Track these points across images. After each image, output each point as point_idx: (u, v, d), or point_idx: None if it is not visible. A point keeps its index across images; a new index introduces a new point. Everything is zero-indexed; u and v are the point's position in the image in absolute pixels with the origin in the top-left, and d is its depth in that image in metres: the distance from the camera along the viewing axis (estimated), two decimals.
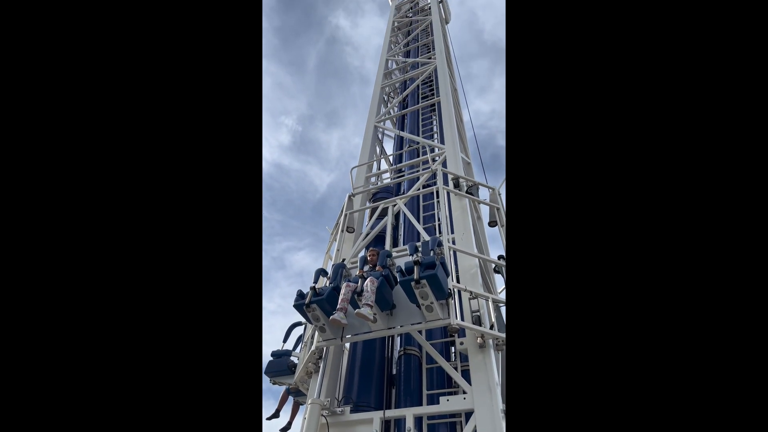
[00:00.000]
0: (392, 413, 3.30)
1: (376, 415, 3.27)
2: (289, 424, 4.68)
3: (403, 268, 3.46)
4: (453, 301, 3.47)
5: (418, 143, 6.89)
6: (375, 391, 3.94)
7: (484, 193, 5.16)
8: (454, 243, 4.20)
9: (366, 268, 3.82)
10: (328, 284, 3.86)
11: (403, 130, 7.69)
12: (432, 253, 3.56)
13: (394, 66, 10.13)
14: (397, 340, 4.52)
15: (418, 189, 5.16)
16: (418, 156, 6.45)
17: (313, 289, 3.70)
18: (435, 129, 7.83)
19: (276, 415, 4.78)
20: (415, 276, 3.26)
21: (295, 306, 3.72)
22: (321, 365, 3.93)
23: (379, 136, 8.18)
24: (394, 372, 4.24)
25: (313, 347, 3.87)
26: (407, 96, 8.84)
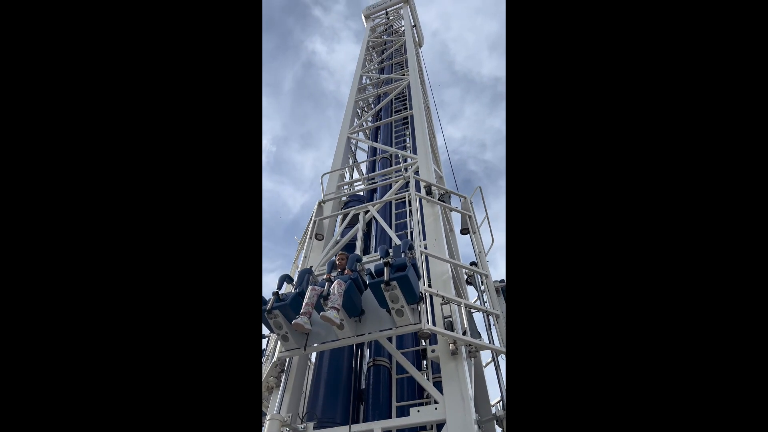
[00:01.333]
0: (359, 428, 3.06)
1: (342, 431, 3.04)
2: None
3: (373, 270, 3.30)
4: (425, 305, 3.32)
5: (390, 154, 6.87)
6: (341, 407, 3.65)
7: (456, 203, 5.13)
8: (425, 248, 4.09)
9: (334, 273, 3.62)
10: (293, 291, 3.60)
11: (376, 142, 7.67)
12: (403, 255, 3.42)
13: (368, 82, 10.25)
14: (366, 351, 4.28)
15: (391, 196, 5.06)
16: (391, 167, 6.40)
17: (275, 294, 3.44)
18: (408, 142, 7.86)
19: None
20: (386, 277, 3.10)
21: None
22: (283, 378, 3.62)
23: (352, 148, 8.12)
24: (363, 386, 3.99)
25: (274, 359, 3.56)
26: (381, 110, 8.90)
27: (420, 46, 12.72)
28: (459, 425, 2.65)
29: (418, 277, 3.39)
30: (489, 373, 4.20)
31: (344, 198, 6.00)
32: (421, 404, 3.38)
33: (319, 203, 5.26)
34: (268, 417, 3.22)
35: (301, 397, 3.81)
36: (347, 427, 3.04)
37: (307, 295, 3.30)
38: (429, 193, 4.80)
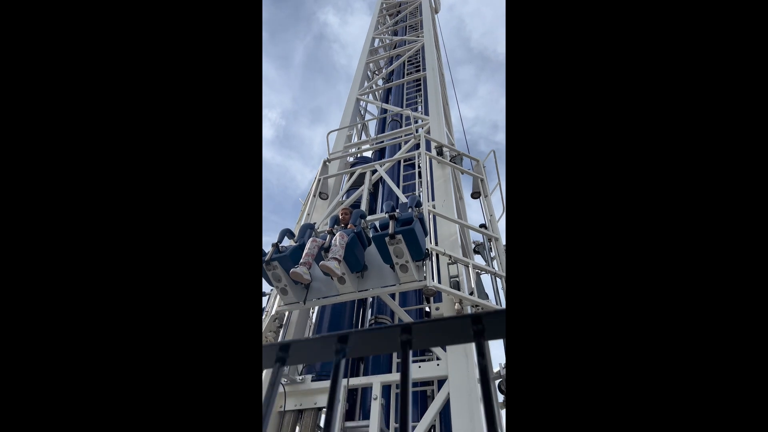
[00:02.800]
0: (358, 381, 3.01)
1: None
2: None
3: (378, 225, 3.13)
4: (430, 262, 3.17)
5: (400, 117, 6.57)
6: None
7: (467, 166, 4.89)
8: (434, 207, 3.90)
9: (337, 228, 3.46)
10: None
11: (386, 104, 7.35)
12: (410, 210, 3.24)
13: (380, 44, 9.80)
14: (369, 310, 4.19)
15: (401, 155, 4.83)
16: (401, 128, 6.12)
17: (275, 246, 3.30)
18: (420, 106, 7.53)
19: None
20: (390, 230, 2.93)
21: None
22: (281, 334, 3.55)
23: (361, 110, 7.82)
24: None
25: (273, 312, 3.47)
26: (392, 72, 8.52)
27: (436, 12, 12.07)
28: (461, 381, 2.54)
29: (425, 233, 3.22)
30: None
31: (351, 159, 5.78)
32: (422, 361, 3.31)
33: (324, 162, 5.06)
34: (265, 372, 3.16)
35: None
36: (345, 380, 2.97)
37: (308, 246, 3.15)
38: (440, 154, 4.56)
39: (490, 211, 4.32)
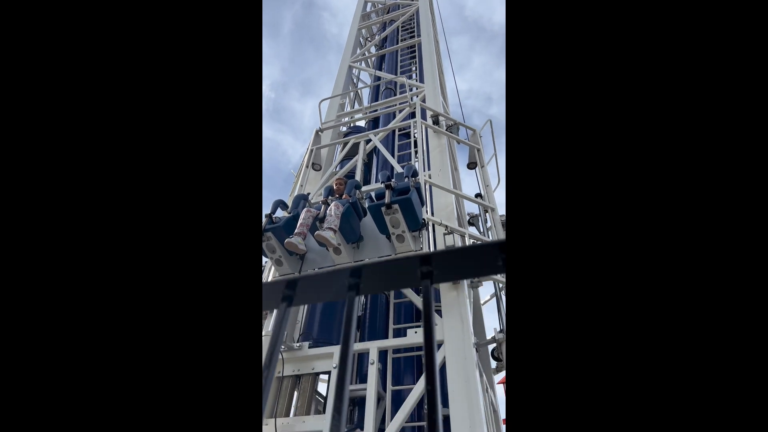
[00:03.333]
0: (357, 346, 3.03)
1: (336, 349, 3.01)
2: None
3: (374, 195, 3.07)
4: (427, 232, 3.14)
5: (394, 85, 6.36)
6: (338, 331, 3.64)
7: (463, 136, 4.78)
8: (430, 177, 3.84)
9: (332, 198, 3.39)
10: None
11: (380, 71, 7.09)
12: (406, 180, 3.17)
13: (372, 9, 9.36)
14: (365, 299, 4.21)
15: (396, 124, 4.70)
16: (395, 96, 5.94)
17: (268, 216, 3.24)
18: (414, 74, 7.28)
19: None
20: (387, 200, 2.87)
21: None
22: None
23: (354, 79, 7.54)
24: (360, 313, 3.98)
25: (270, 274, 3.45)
26: (385, 39, 8.18)
27: None
28: (457, 346, 2.57)
29: (422, 203, 3.17)
30: (486, 309, 4.17)
31: (344, 129, 5.62)
32: (418, 327, 3.38)
33: (317, 131, 4.91)
34: (263, 333, 3.18)
35: (296, 325, 3.78)
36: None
37: (302, 216, 3.09)
38: (436, 123, 4.44)
39: (486, 182, 4.28)
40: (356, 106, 7.15)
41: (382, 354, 3.41)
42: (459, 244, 3.34)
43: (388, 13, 8.93)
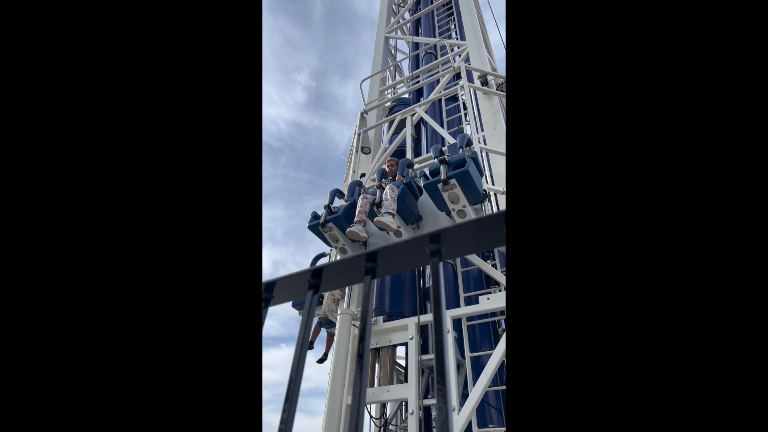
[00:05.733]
0: (428, 317, 3.04)
1: (411, 321, 3.03)
2: (325, 355, 4.60)
3: (428, 172, 2.94)
4: (489, 203, 2.97)
5: (435, 47, 5.98)
6: (409, 304, 3.73)
7: None
8: (484, 142, 3.59)
9: (385, 181, 3.33)
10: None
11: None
12: (461, 151, 2.99)
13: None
14: (429, 281, 4.23)
15: (440, 93, 4.44)
16: (437, 60, 5.60)
17: (327, 207, 3.29)
18: (454, 32, 6.79)
19: (311, 347, 4.75)
20: (443, 176, 2.74)
21: (309, 227, 3.36)
22: (346, 291, 3.65)
23: (391, 50, 7.26)
24: (428, 285, 4.05)
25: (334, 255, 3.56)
26: (419, 1, 7.70)
27: None
28: None
29: (480, 173, 2.99)
30: None
31: (389, 104, 5.47)
32: (490, 293, 3.32)
33: (362, 114, 4.83)
34: (339, 312, 3.33)
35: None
36: (416, 317, 3.03)
37: (359, 203, 3.09)
38: (485, 84, 4.11)
39: None
40: (397, 78, 6.90)
41: (456, 323, 3.43)
42: None
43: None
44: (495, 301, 2.80)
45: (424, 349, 3.59)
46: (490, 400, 3.35)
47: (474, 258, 3.22)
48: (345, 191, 4.61)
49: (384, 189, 3.03)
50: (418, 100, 5.46)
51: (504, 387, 3.29)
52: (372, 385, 3.19)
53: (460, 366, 3.15)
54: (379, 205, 2.97)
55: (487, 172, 3.26)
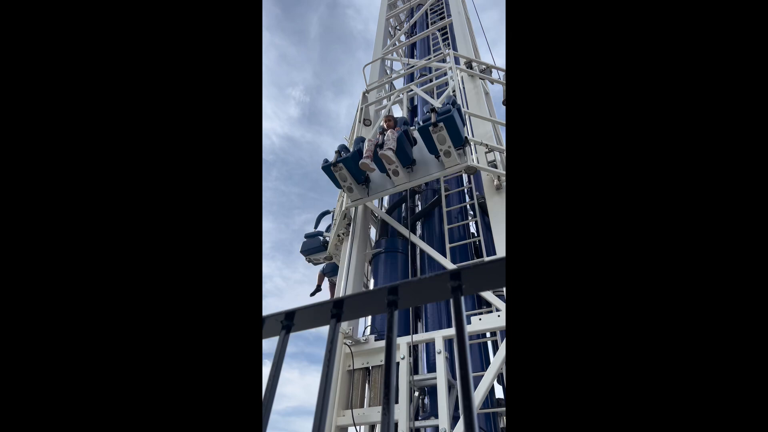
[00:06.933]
0: (420, 337, 3.13)
1: (403, 340, 3.07)
2: (319, 288, 5.08)
3: (421, 120, 3.72)
4: (469, 148, 3.72)
5: (428, 70, 6.73)
6: (401, 322, 3.64)
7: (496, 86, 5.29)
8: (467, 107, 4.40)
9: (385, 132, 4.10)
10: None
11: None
12: (448, 106, 3.79)
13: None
14: (418, 271, 4.40)
15: (432, 74, 5.33)
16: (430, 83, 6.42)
17: (338, 152, 4.01)
18: (448, 57, 7.49)
19: (318, 290, 5.23)
20: (433, 120, 3.51)
21: (323, 168, 4.05)
22: (350, 229, 4.27)
23: (387, 71, 7.71)
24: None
25: (343, 208, 4.21)
26: (415, 24, 8.70)
27: None
28: None
29: (462, 123, 3.76)
30: None
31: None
32: (482, 313, 3.39)
33: (364, 93, 5.68)
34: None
35: (359, 319, 3.82)
36: (408, 336, 3.08)
37: (365, 145, 3.82)
38: (470, 68, 5.02)
39: None
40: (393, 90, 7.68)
41: (448, 342, 3.31)
42: (498, 158, 3.86)
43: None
44: (487, 322, 2.89)
45: (415, 368, 3.57)
46: (480, 423, 3.29)
47: None
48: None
49: (386, 134, 3.78)
50: (412, 122, 5.87)
51: (494, 410, 3.31)
52: (361, 406, 3.16)
53: (451, 387, 3.03)
54: (381, 146, 3.70)
55: (469, 131, 4.04)
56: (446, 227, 4.17)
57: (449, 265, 3.42)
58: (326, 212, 5.16)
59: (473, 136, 4.14)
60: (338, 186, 4.12)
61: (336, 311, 0.55)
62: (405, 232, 3.97)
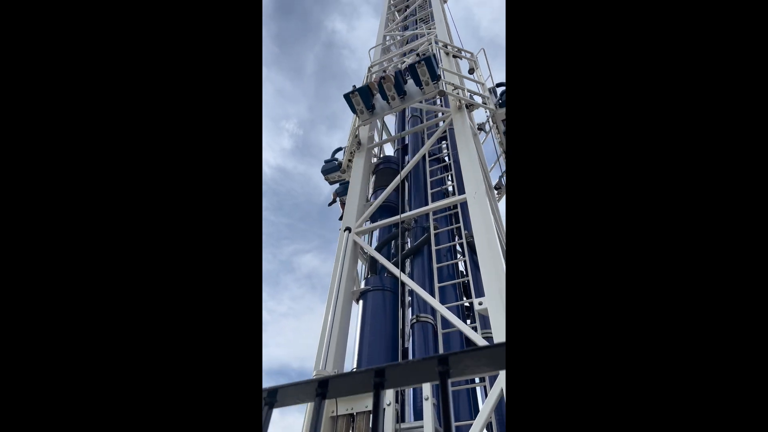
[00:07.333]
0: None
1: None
2: (335, 202, 6.76)
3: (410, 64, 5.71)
4: (443, 81, 5.68)
5: (420, 112, 7.26)
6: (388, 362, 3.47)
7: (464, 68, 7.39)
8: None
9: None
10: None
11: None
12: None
13: (391, 41, 9.41)
14: (408, 310, 4.40)
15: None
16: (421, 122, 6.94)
17: (354, 86, 5.96)
18: (440, 99, 7.66)
19: (334, 202, 6.87)
20: (417, 59, 5.51)
21: (344, 96, 5.95)
22: (353, 164, 6.06)
23: (379, 124, 7.44)
24: (407, 345, 3.97)
25: (355, 127, 6.08)
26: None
27: (444, 1, 12.58)
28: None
29: (437, 65, 5.75)
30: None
31: (374, 161, 6.47)
32: None
33: (369, 68, 7.72)
34: (314, 373, 3.23)
35: (344, 356, 3.73)
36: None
37: (374, 77, 5.78)
38: (446, 52, 7.13)
39: (481, 80, 6.78)
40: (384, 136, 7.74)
41: (435, 388, 3.06)
42: (462, 96, 5.82)
43: (407, 44, 8.74)
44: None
45: (402, 415, 3.42)
46: None
47: (455, 320, 3.28)
48: (351, 134, 7.22)
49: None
50: (404, 160, 6.40)
51: None
52: None
53: None
54: (384, 78, 5.66)
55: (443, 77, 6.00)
56: (435, 266, 4.29)
57: (438, 306, 3.51)
58: (340, 148, 6.94)
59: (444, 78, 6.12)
60: (353, 111, 6.01)
61: (321, 390, 0.57)
62: (395, 270, 3.88)
